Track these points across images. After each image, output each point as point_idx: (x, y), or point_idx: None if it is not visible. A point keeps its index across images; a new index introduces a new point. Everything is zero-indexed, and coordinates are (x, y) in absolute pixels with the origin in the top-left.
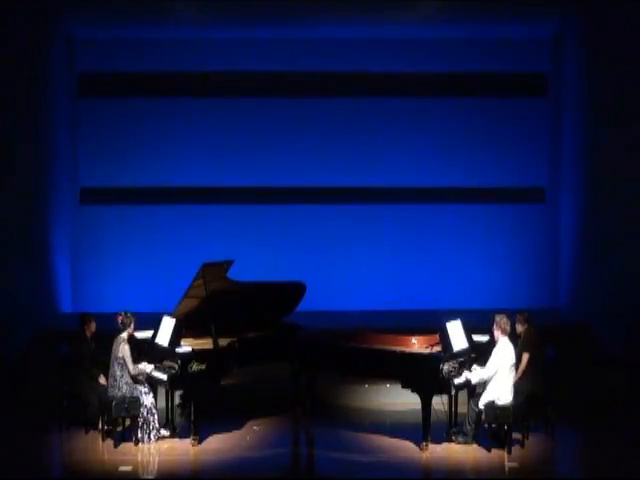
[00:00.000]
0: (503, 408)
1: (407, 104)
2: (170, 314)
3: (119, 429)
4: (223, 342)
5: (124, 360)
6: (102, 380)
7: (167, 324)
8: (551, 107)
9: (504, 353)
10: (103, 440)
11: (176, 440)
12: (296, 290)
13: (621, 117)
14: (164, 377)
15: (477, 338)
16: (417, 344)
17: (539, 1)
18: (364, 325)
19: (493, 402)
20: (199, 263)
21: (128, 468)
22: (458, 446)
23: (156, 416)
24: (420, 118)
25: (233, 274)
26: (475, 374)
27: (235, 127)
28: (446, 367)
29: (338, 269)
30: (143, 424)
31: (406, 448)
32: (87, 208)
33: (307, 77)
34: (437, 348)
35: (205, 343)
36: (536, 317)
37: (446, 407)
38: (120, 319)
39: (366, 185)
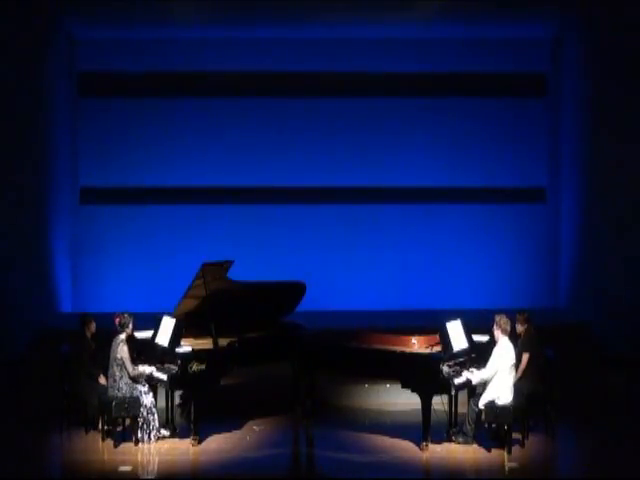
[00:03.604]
0: (503, 408)
1: (407, 104)
2: (170, 314)
3: (119, 429)
4: (223, 342)
5: (123, 361)
6: (102, 380)
7: (167, 324)
8: (551, 107)
9: (504, 353)
10: (103, 440)
11: (176, 440)
12: (296, 290)
13: (621, 117)
14: (164, 377)
15: (477, 338)
16: (417, 344)
17: (539, 1)
18: (364, 325)
19: (493, 402)
20: (199, 263)
21: (128, 468)
22: (458, 446)
23: (156, 416)
24: (420, 118)
25: (233, 274)
26: (475, 374)
27: (235, 127)
28: (446, 367)
29: (338, 269)
30: (143, 424)
31: (406, 448)
32: (87, 208)
33: (307, 77)
34: (437, 348)
35: (205, 343)
36: (536, 317)
37: (446, 407)
38: (117, 320)
39: (366, 185)
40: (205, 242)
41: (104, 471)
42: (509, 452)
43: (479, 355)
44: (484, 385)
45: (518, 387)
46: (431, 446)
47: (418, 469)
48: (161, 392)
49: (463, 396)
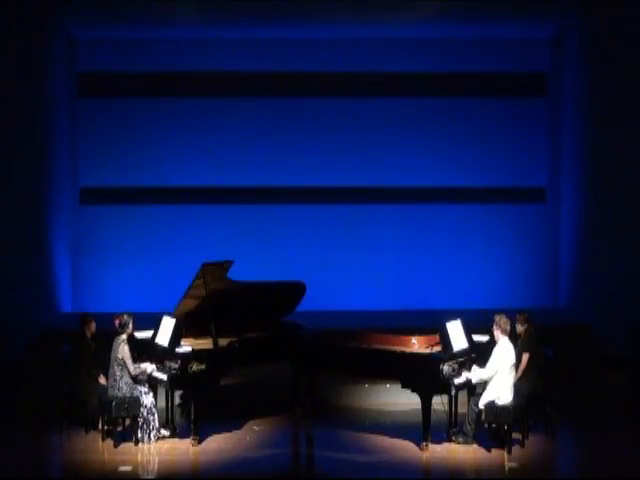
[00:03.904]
0: (503, 408)
1: (407, 104)
2: (170, 314)
3: (119, 429)
4: (223, 342)
5: (124, 361)
6: (102, 380)
7: (167, 324)
8: (551, 107)
9: (504, 353)
10: (103, 440)
11: (176, 440)
12: (296, 290)
13: (621, 117)
14: (164, 377)
15: (477, 338)
16: (417, 344)
17: (539, 1)
18: (364, 325)
19: (493, 402)
20: (199, 263)
21: (128, 468)
22: (458, 446)
23: (156, 416)
24: (420, 118)
25: (233, 274)
26: (475, 374)
27: (235, 127)
28: (446, 367)
29: (338, 269)
30: (143, 424)
31: (406, 448)
32: (87, 208)
33: (307, 77)
34: (437, 348)
35: (205, 343)
36: (536, 317)
37: (446, 407)
38: (117, 321)
39: (366, 185)
40: (205, 242)
41: (104, 471)
42: (509, 452)
43: (479, 355)
44: (484, 385)
45: (518, 387)
46: (431, 446)
47: (418, 469)
48: (161, 392)
49: (463, 396)
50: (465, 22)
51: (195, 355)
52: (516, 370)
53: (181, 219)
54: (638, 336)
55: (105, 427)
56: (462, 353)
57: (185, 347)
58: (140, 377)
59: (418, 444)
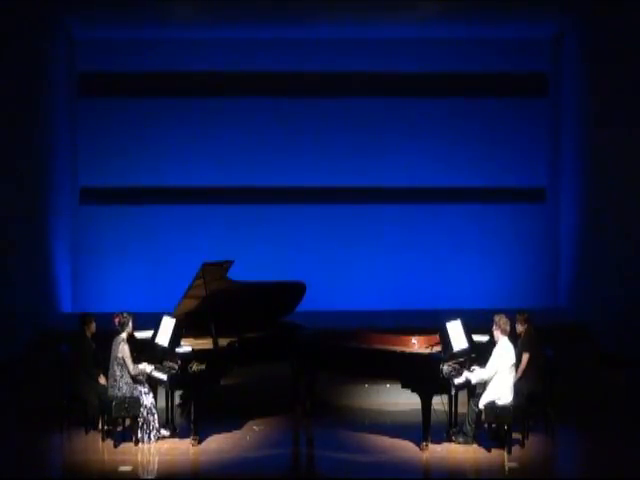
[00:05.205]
0: (503, 408)
1: (407, 104)
2: (170, 314)
3: (119, 429)
4: (223, 342)
5: (124, 360)
6: (102, 380)
7: (167, 324)
8: (551, 107)
9: (504, 353)
10: (103, 440)
11: (176, 440)
12: (296, 290)
13: (621, 117)
14: (164, 377)
15: (477, 338)
16: (417, 344)
17: (539, 1)
18: (364, 325)
19: (493, 402)
20: (199, 263)
21: (128, 468)
22: (458, 446)
23: (156, 416)
24: (420, 118)
25: (233, 274)
26: (475, 374)
27: (235, 127)
28: (446, 367)
29: (338, 269)
30: (143, 424)
31: (406, 448)
32: (87, 208)
33: (307, 77)
34: (437, 348)
35: (205, 343)
36: (536, 317)
37: (446, 407)
38: (117, 320)
39: (366, 185)
40: (205, 242)
41: (104, 471)
42: (509, 452)
43: (479, 355)
44: (484, 385)
45: (518, 387)
46: (431, 446)
47: (418, 469)
48: (161, 392)
49: (463, 396)
50: (465, 22)
51: (195, 355)
52: (516, 370)
53: (181, 219)
54: (637, 336)
55: (105, 427)
56: (462, 353)
57: (185, 347)
58: (139, 377)
59: (418, 444)
